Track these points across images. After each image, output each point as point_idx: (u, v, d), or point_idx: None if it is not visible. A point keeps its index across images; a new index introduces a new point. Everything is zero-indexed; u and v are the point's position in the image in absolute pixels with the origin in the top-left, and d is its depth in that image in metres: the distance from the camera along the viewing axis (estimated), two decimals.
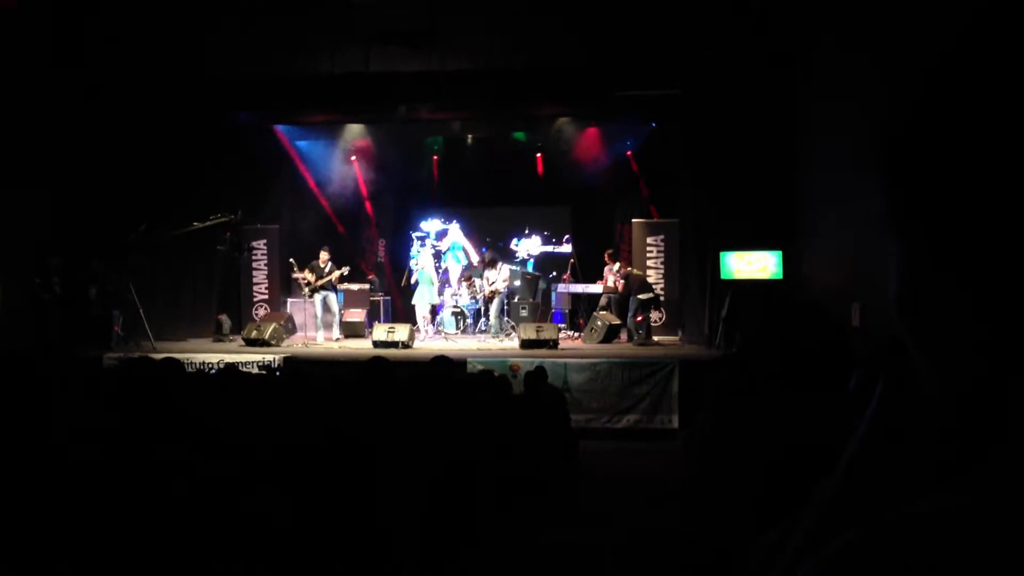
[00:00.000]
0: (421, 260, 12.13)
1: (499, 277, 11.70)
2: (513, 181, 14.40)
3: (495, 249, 14.70)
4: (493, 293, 11.62)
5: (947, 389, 0.51)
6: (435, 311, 12.39)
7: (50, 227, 10.53)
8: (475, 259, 14.63)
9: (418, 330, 11.86)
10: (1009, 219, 0.45)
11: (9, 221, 9.98)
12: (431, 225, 15.46)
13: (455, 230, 15.32)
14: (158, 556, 2.21)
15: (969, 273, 0.47)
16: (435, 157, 14.77)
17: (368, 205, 15.08)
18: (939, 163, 0.48)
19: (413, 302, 12.06)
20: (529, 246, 15.28)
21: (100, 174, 10.93)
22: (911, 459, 0.62)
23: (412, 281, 12.08)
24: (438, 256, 15.05)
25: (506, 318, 12.18)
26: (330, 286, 11.56)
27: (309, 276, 11.46)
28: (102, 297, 10.57)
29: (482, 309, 12.09)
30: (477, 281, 12.26)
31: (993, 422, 0.48)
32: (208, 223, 11.29)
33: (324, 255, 11.60)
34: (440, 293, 12.89)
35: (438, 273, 14.22)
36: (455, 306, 12.50)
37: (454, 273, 14.27)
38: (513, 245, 15.28)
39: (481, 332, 12.06)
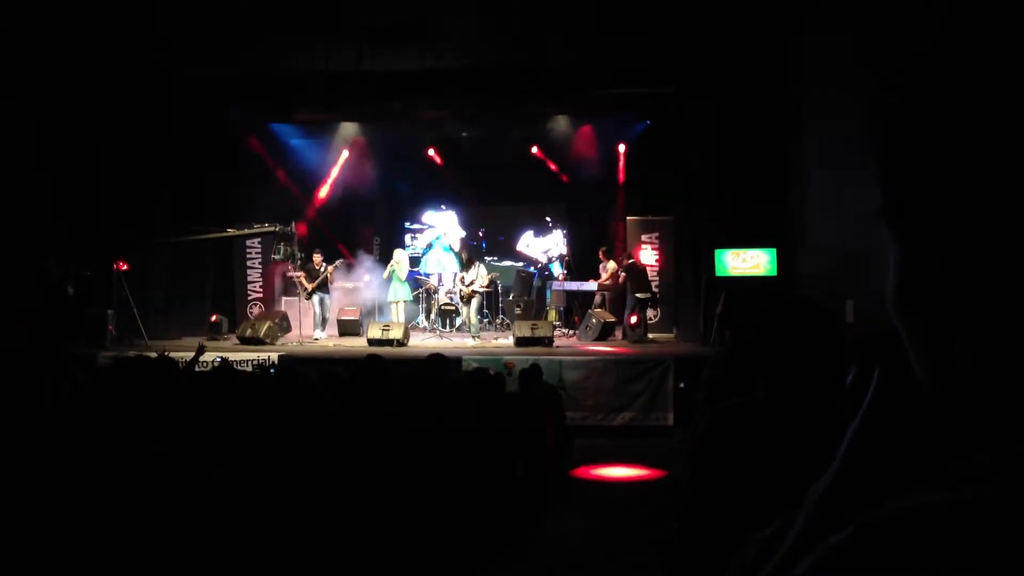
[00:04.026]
0: (396, 256, 12.16)
1: (476, 277, 11.67)
2: (507, 178, 14.39)
3: (496, 244, 14.73)
4: (471, 294, 11.58)
5: (942, 383, 0.51)
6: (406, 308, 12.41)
7: (47, 227, 10.51)
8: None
9: (415, 326, 11.91)
10: (1005, 211, 0.45)
11: (3, 222, 9.96)
12: (431, 217, 15.32)
13: (445, 222, 15.19)
14: (154, 557, 2.21)
15: (965, 266, 0.47)
16: (430, 148, 14.70)
17: (362, 202, 15.05)
18: (934, 154, 0.48)
19: (387, 299, 12.15)
20: (547, 245, 15.05)
21: (94, 171, 10.91)
22: (906, 454, 0.62)
23: (385, 276, 12.15)
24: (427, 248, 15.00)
25: (485, 315, 12.29)
26: (324, 287, 11.69)
27: (304, 281, 11.64)
28: (80, 295, 10.57)
29: (459, 308, 12.09)
30: (457, 278, 12.27)
31: (987, 416, 0.48)
32: (252, 231, 11.65)
33: (317, 257, 11.86)
34: (435, 292, 12.86)
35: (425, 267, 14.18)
36: (448, 303, 12.48)
37: (446, 269, 14.17)
38: (526, 246, 15.13)
39: (460, 331, 12.12)
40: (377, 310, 12.92)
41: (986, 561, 0.39)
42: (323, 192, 14.46)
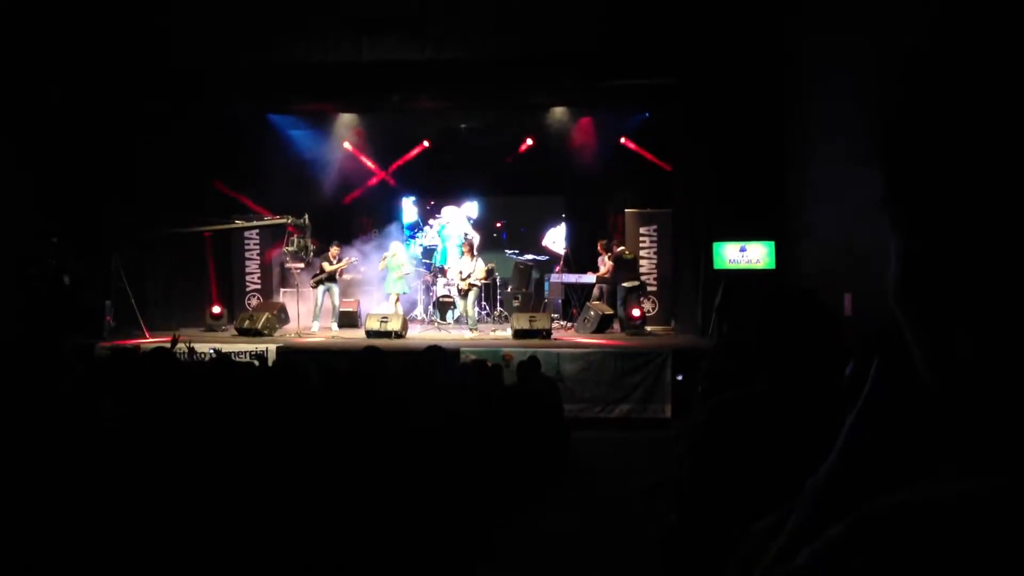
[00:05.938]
0: (392, 248, 12.14)
1: (475, 270, 11.58)
2: (506, 170, 14.37)
3: (519, 235, 14.75)
4: (469, 287, 11.51)
5: (942, 373, 0.51)
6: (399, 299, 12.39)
7: (45, 219, 10.49)
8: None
9: (413, 318, 11.90)
10: (1004, 203, 0.45)
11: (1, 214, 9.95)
12: (451, 212, 15.33)
13: (454, 215, 15.21)
14: (154, 548, 2.21)
15: (966, 256, 0.47)
16: (425, 142, 14.65)
17: (361, 193, 15.04)
18: (934, 147, 0.48)
19: (384, 291, 12.16)
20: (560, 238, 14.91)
21: (94, 163, 10.88)
22: (905, 445, 0.62)
23: (381, 268, 12.12)
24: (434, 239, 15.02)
25: (483, 308, 12.33)
26: (333, 277, 11.75)
27: (324, 265, 11.70)
28: (75, 285, 10.54)
29: (457, 300, 12.06)
30: (453, 270, 12.25)
31: (988, 407, 0.48)
32: (263, 222, 11.66)
33: (335, 248, 11.87)
34: (432, 284, 12.84)
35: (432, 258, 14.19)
36: (446, 295, 12.45)
37: (450, 261, 14.17)
38: (553, 242, 15.03)
39: (458, 323, 12.12)
40: (376, 302, 12.93)
41: (984, 555, 0.39)
42: (322, 183, 14.42)
